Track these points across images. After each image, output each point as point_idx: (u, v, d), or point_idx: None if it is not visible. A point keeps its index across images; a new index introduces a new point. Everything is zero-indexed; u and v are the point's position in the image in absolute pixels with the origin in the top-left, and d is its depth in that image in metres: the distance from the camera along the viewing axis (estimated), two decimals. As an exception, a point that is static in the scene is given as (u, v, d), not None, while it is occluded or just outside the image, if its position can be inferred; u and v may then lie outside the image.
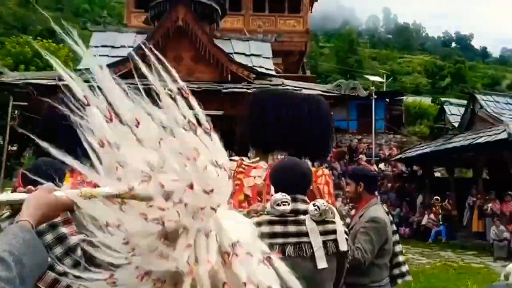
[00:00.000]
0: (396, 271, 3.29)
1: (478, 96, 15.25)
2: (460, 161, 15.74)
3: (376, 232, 3.05)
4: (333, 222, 2.09)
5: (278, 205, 2.06)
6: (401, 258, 3.36)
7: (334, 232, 2.08)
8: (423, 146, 17.48)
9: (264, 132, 3.03)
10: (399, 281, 3.34)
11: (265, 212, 2.16)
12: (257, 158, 3.24)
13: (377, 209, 3.21)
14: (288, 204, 2.08)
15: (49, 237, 2.19)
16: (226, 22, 17.95)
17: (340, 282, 2.19)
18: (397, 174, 18.65)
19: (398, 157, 18.83)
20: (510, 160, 13.33)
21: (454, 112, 17.13)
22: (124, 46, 9.30)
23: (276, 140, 3.03)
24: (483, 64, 75.94)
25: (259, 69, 8.93)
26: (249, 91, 7.95)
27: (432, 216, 15.14)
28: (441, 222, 14.40)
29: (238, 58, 9.02)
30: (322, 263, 2.02)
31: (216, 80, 8.49)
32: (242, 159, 3.16)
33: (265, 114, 3.07)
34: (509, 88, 49.33)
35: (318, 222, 2.08)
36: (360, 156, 20.77)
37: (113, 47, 9.34)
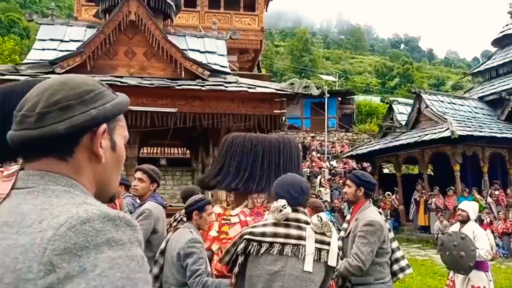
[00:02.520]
0: (395, 267, 3.50)
1: (424, 96, 15.93)
2: (407, 157, 16.41)
3: (374, 235, 3.28)
4: (330, 237, 2.27)
5: (281, 210, 2.23)
6: (398, 254, 3.55)
7: (329, 244, 2.26)
8: (372, 144, 18.07)
9: (243, 175, 3.09)
10: (400, 275, 3.55)
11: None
12: (234, 203, 3.29)
13: (372, 212, 3.42)
14: (285, 208, 2.25)
15: None
16: (181, 18, 17.75)
17: None
18: (348, 171, 19.19)
19: (349, 154, 19.36)
20: (453, 157, 14.07)
21: (402, 110, 17.81)
22: (73, 40, 9.00)
23: (253, 183, 3.11)
24: (429, 65, 79.26)
25: (214, 66, 8.90)
26: (203, 88, 7.93)
27: (380, 210, 15.68)
28: (388, 217, 14.99)
29: (193, 55, 8.95)
30: (308, 266, 2.19)
31: (169, 76, 8.39)
32: (225, 208, 3.21)
33: (243, 157, 3.12)
34: (453, 88, 51.84)
35: (316, 232, 2.25)
36: (313, 153, 21.21)
37: (61, 41, 9.00)
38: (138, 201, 4.03)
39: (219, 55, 9.66)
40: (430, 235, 13.93)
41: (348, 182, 3.61)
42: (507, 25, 18.57)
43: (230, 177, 3.18)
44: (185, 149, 14.01)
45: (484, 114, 16.37)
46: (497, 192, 14.15)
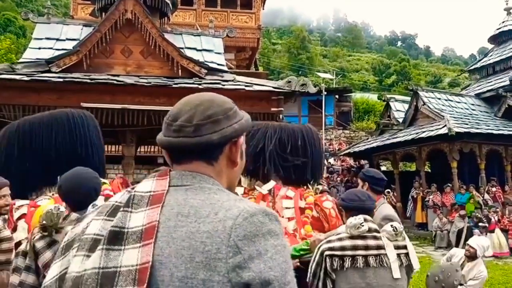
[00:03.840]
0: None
1: (421, 93, 15.93)
2: (404, 155, 16.44)
3: None
4: (403, 240, 2.39)
5: (358, 228, 2.33)
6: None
7: (404, 247, 2.37)
8: (370, 141, 18.08)
9: (263, 160, 3.20)
10: None
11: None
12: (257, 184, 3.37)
13: (386, 207, 3.43)
14: (363, 225, 2.37)
15: None
16: (178, 16, 17.71)
17: None
18: (346, 168, 19.22)
19: (346, 151, 19.38)
20: (450, 154, 14.10)
21: (399, 108, 17.81)
22: (69, 39, 8.98)
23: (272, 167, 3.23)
24: (426, 62, 79.35)
25: (211, 64, 8.89)
26: (200, 86, 7.92)
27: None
28: (386, 214, 14.98)
29: (189, 53, 8.94)
30: (397, 273, 2.30)
31: (166, 75, 8.38)
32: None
33: (264, 143, 3.22)
34: (450, 85, 51.91)
35: (390, 239, 2.37)
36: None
37: (58, 39, 8.97)
38: None
39: (216, 53, 9.65)
40: (428, 232, 13.97)
41: (358, 180, 3.71)
42: (503, 22, 18.59)
43: (252, 163, 3.22)
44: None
45: (481, 111, 16.40)
46: (494, 189, 14.18)
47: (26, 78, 7.32)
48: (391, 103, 18.11)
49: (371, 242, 2.31)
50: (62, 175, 2.39)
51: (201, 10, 19.55)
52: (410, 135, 14.86)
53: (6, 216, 2.83)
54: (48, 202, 2.91)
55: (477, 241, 5.29)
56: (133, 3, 8.25)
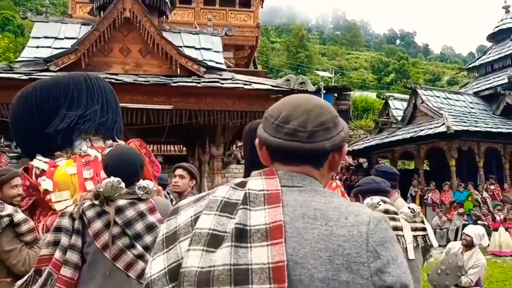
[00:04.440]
0: None
1: (420, 91, 15.95)
2: (403, 153, 16.45)
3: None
4: (421, 222, 2.47)
5: (375, 207, 2.40)
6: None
7: (422, 229, 2.44)
8: (368, 139, 18.11)
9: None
10: None
11: None
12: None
13: (400, 202, 3.43)
14: (380, 205, 2.46)
15: (139, 226, 2.26)
16: (176, 15, 17.69)
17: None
18: (344, 166, 19.23)
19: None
20: (448, 152, 14.12)
21: (398, 106, 17.82)
22: (68, 38, 8.96)
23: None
24: (425, 61, 79.37)
25: (209, 63, 8.89)
26: (199, 85, 7.92)
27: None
28: (385, 212, 14.99)
29: (188, 52, 8.93)
30: (411, 254, 2.38)
31: (165, 73, 8.38)
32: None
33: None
34: (448, 83, 51.94)
35: (408, 221, 2.45)
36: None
37: (56, 38, 8.96)
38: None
39: (214, 51, 9.64)
40: (427, 230, 13.98)
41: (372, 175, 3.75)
42: (502, 20, 18.60)
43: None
44: (181, 146, 14.00)
45: (479, 109, 16.42)
46: (492, 187, 14.21)
47: (24, 77, 7.31)
48: (389, 101, 18.11)
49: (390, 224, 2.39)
50: (108, 154, 2.46)
51: (200, 9, 19.51)
52: (409, 133, 14.88)
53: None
54: (67, 162, 3.01)
55: (473, 229, 5.38)
56: (132, 1, 8.25)
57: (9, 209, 2.74)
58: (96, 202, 2.21)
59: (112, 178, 2.24)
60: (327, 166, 1.09)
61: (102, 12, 8.88)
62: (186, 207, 1.06)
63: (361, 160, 19.36)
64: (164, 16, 10.14)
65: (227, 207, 1.00)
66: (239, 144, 16.90)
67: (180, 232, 1.00)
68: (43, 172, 2.99)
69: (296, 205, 0.98)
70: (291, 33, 64.76)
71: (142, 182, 2.35)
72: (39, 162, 3.06)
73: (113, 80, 7.57)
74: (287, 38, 64.33)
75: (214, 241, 0.95)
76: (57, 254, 2.17)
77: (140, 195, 2.30)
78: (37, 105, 3.20)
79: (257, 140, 1.11)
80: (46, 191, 2.93)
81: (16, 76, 7.34)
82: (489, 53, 18.82)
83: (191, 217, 1.02)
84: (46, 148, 3.14)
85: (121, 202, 2.24)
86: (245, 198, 0.99)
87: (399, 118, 16.93)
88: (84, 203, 2.23)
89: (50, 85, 3.29)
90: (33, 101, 3.23)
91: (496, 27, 18.64)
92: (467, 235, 5.14)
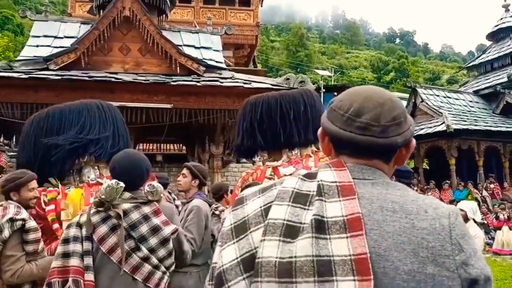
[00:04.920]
0: None
1: (420, 90, 15.95)
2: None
3: None
4: None
5: None
6: None
7: None
8: (368, 138, 18.09)
9: (274, 131, 3.35)
10: None
11: None
12: (271, 158, 3.56)
13: None
14: None
15: (143, 228, 2.27)
16: (176, 14, 17.67)
17: None
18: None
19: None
20: (448, 151, 14.12)
21: (398, 105, 17.83)
22: (67, 37, 8.95)
23: (285, 137, 3.36)
24: (425, 59, 79.37)
25: (209, 62, 8.88)
26: (198, 84, 7.91)
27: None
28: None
29: (188, 51, 8.92)
30: None
31: (164, 72, 8.37)
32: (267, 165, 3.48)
33: (271, 114, 3.40)
34: (448, 82, 51.95)
35: None
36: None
37: (56, 37, 8.95)
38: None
39: (214, 50, 9.64)
40: (426, 228, 14.00)
41: None
42: (501, 18, 18.59)
43: (264, 136, 3.41)
44: (181, 145, 14.00)
45: (479, 108, 16.43)
46: (492, 186, 14.22)
47: (24, 76, 7.31)
48: (389, 100, 18.10)
49: None
50: (115, 157, 2.46)
51: (199, 8, 19.50)
52: (409, 132, 14.87)
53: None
54: (76, 191, 3.03)
55: (465, 204, 5.60)
56: (131, 0, 8.24)
57: (24, 214, 2.74)
58: (101, 208, 2.23)
59: (110, 181, 2.25)
60: (394, 160, 1.08)
61: (101, 11, 8.88)
62: (252, 197, 1.05)
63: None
64: (164, 15, 10.13)
65: (299, 198, 1.00)
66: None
67: (250, 222, 1.00)
68: (52, 200, 3.00)
69: (372, 197, 0.98)
70: (291, 32, 64.74)
71: (153, 183, 2.37)
72: (50, 190, 3.06)
73: (112, 79, 7.57)
74: (287, 37, 64.29)
75: (290, 231, 0.95)
76: (76, 262, 2.17)
77: (146, 195, 2.33)
78: (48, 130, 3.21)
79: (319, 130, 1.10)
80: (54, 220, 2.94)
81: (15, 75, 7.34)
82: (489, 52, 18.81)
83: (261, 207, 1.01)
84: (53, 175, 3.15)
85: (126, 206, 2.26)
86: (320, 189, 0.99)
87: (399, 117, 16.94)
88: (91, 210, 2.26)
89: (62, 110, 3.30)
90: (45, 125, 3.24)
91: (496, 26, 18.63)
92: (461, 209, 5.25)
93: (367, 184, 1.01)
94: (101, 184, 3.06)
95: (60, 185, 3.08)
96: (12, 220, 2.66)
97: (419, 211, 0.96)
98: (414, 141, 1.09)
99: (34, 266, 2.68)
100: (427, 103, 15.41)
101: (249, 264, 0.95)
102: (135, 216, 2.26)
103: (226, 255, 0.98)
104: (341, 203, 0.96)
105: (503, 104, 15.87)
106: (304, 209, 0.97)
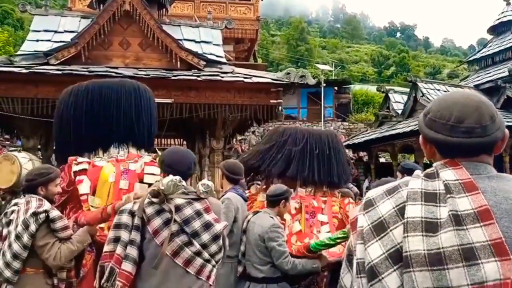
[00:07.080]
0: None
1: (420, 84, 15.90)
2: (403, 146, 16.44)
3: None
4: None
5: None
6: None
7: None
8: (369, 133, 18.09)
9: (294, 163, 3.63)
10: None
11: None
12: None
13: None
14: None
15: (196, 224, 2.34)
16: (176, 8, 17.61)
17: None
18: (345, 160, 19.23)
19: (345, 143, 19.37)
20: (448, 145, 14.10)
21: (398, 99, 17.77)
22: (67, 31, 8.92)
23: (304, 172, 3.66)
24: (425, 54, 79.12)
25: (209, 56, 8.86)
26: (199, 78, 7.90)
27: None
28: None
29: (188, 45, 8.90)
30: None
31: (165, 67, 8.35)
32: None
33: (295, 147, 3.65)
34: (449, 76, 51.81)
35: None
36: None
37: (56, 31, 8.92)
38: None
39: (214, 45, 9.61)
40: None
41: (397, 173, 3.98)
42: (502, 12, 18.52)
43: (280, 163, 3.66)
44: (181, 140, 13.99)
45: (480, 102, 16.39)
46: (492, 180, 14.24)
47: (24, 71, 7.30)
48: (390, 95, 18.06)
49: None
50: (165, 152, 2.60)
51: (200, 2, 19.42)
52: (409, 126, 14.86)
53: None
54: (107, 165, 3.14)
55: None
56: (131, -6, 8.20)
57: (46, 205, 2.84)
58: (155, 200, 2.28)
59: (173, 176, 2.32)
60: (493, 151, 1.23)
61: (101, 5, 8.85)
62: (380, 199, 1.19)
63: (362, 153, 19.37)
64: (164, 9, 10.10)
65: (429, 197, 1.13)
66: (239, 138, 16.90)
67: (387, 221, 1.14)
68: (83, 170, 3.07)
69: (494, 190, 1.12)
70: (291, 26, 64.48)
71: (205, 181, 2.49)
72: (81, 161, 3.17)
73: (113, 74, 7.56)
74: (287, 31, 64.06)
75: (429, 227, 1.08)
76: (119, 250, 2.24)
77: (199, 193, 2.40)
78: (87, 105, 3.31)
79: (421, 139, 1.27)
80: (83, 194, 3.07)
81: (16, 70, 7.33)
82: (490, 46, 18.75)
83: (394, 208, 1.15)
84: (83, 148, 3.24)
85: (179, 201, 2.32)
86: (447, 188, 1.13)
87: (399, 112, 16.90)
88: (144, 201, 2.30)
89: (102, 87, 3.41)
90: (84, 100, 3.34)
91: (497, 19, 18.56)
92: None
93: (484, 178, 1.16)
94: (128, 162, 3.28)
95: (92, 157, 3.20)
96: (35, 214, 2.76)
97: None
98: (507, 131, 1.23)
99: (70, 244, 2.81)
100: (427, 98, 15.36)
101: (397, 258, 1.09)
102: (188, 211, 2.32)
103: (372, 252, 1.12)
104: (468, 198, 1.10)
105: (503, 98, 15.83)
106: (437, 206, 1.11)
